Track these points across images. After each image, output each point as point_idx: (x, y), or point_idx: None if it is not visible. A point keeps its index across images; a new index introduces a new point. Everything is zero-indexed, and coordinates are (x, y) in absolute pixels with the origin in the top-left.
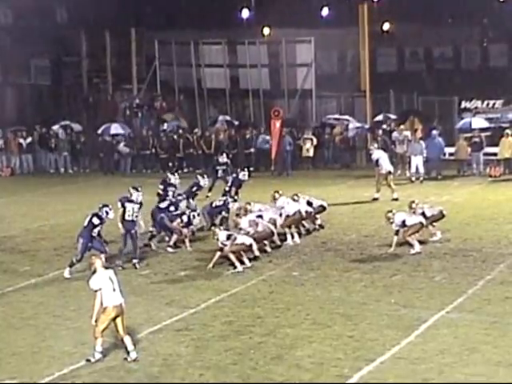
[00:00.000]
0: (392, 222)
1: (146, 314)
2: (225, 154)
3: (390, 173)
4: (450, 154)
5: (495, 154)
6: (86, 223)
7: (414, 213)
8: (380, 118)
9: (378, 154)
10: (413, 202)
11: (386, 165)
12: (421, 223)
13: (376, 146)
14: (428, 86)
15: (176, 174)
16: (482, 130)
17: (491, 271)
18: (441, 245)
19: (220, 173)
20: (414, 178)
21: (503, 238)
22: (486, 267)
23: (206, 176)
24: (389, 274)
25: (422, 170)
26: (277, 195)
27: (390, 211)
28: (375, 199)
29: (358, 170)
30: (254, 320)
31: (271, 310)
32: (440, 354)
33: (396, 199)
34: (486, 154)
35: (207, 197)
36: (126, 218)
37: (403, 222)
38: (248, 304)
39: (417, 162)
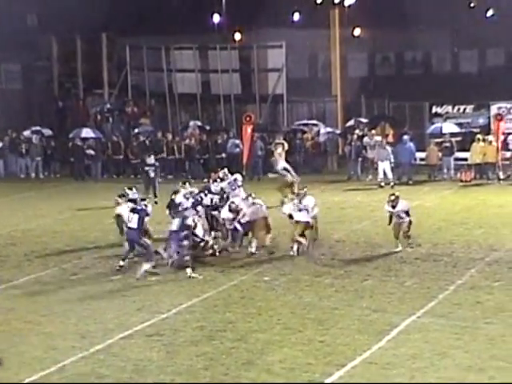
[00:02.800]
0: (393, 206)
1: (117, 319)
2: (152, 156)
3: (296, 181)
4: (421, 159)
5: (466, 159)
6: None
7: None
8: (351, 122)
9: (284, 164)
10: (392, 194)
11: (293, 173)
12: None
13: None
14: (399, 91)
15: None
16: (453, 134)
17: (462, 276)
18: (412, 250)
19: (151, 173)
20: (383, 183)
21: (474, 243)
22: (457, 272)
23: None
24: (360, 279)
25: (390, 175)
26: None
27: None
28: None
29: (329, 175)
30: (225, 325)
31: (242, 315)
32: (411, 358)
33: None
34: (456, 159)
35: (156, 203)
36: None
37: (406, 212)
38: (219, 309)
39: (384, 167)
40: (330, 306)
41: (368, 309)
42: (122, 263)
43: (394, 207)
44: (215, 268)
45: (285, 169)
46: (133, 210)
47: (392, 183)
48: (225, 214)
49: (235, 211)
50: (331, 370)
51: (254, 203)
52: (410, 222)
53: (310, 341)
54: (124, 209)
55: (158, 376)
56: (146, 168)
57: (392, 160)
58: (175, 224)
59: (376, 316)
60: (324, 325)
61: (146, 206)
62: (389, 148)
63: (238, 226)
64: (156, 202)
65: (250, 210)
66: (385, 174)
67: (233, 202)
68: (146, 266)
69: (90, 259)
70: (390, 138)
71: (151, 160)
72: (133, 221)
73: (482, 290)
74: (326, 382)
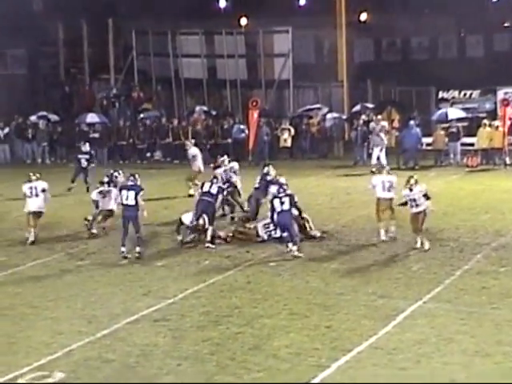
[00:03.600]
0: (411, 189)
1: (124, 304)
2: (87, 144)
3: (200, 171)
4: (428, 144)
5: (472, 145)
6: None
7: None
8: (358, 108)
9: (195, 151)
10: (412, 177)
11: (199, 163)
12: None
13: (193, 141)
14: (405, 76)
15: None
16: (459, 120)
17: (468, 261)
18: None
19: (83, 162)
20: (374, 169)
21: (480, 228)
22: (463, 257)
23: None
24: (366, 265)
25: (384, 160)
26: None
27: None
28: (190, 196)
29: (335, 161)
30: (231, 310)
31: (249, 301)
32: (417, 343)
33: (191, 195)
34: (463, 144)
35: (69, 189)
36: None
37: (425, 195)
38: (225, 294)
39: (378, 153)
40: (336, 292)
41: (374, 294)
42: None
43: (411, 190)
44: (220, 253)
45: (193, 156)
46: (125, 188)
47: (387, 168)
48: None
49: None
50: (337, 355)
51: None
52: (425, 214)
53: (316, 326)
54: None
55: (164, 361)
56: (79, 156)
57: (384, 146)
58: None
59: (382, 301)
60: (330, 310)
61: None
62: (382, 135)
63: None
64: (87, 189)
65: None
66: (379, 159)
67: None
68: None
69: (97, 244)
70: (396, 123)
71: (86, 148)
72: (129, 198)
73: (489, 275)
74: (332, 365)
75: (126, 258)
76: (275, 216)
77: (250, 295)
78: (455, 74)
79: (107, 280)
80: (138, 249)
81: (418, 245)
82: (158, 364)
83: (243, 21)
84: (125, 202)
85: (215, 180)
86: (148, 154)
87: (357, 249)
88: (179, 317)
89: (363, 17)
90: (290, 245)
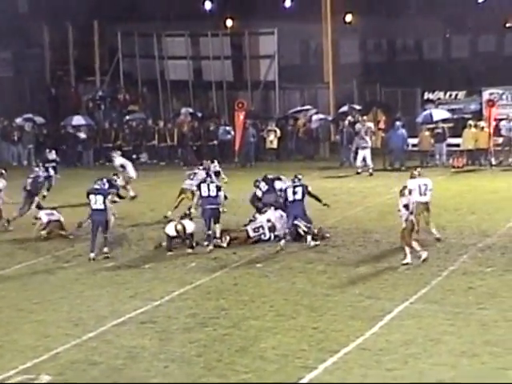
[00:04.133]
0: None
1: (111, 306)
2: (54, 151)
3: (130, 178)
4: (414, 145)
5: (458, 145)
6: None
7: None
8: (345, 109)
9: (121, 161)
10: (415, 169)
11: (130, 171)
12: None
13: (119, 153)
14: (391, 77)
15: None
16: (445, 120)
17: (454, 262)
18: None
19: (51, 171)
20: (360, 170)
21: (466, 229)
22: (450, 258)
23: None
24: (353, 266)
25: (369, 162)
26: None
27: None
28: (133, 197)
29: (321, 162)
30: (218, 312)
31: (235, 302)
32: (404, 344)
33: (134, 197)
34: (448, 145)
35: (44, 197)
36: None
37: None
38: (212, 296)
39: (364, 154)
40: (323, 293)
41: (361, 295)
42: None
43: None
44: (207, 255)
45: (122, 166)
46: (93, 192)
47: (370, 171)
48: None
49: None
50: (324, 356)
51: None
52: (428, 210)
53: (303, 327)
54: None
55: (151, 363)
56: (46, 164)
57: (369, 147)
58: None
59: (369, 302)
60: (317, 311)
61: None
62: (367, 137)
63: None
64: (44, 196)
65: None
66: (365, 160)
67: None
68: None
69: (83, 247)
70: (382, 125)
71: (52, 155)
72: (98, 202)
73: (475, 275)
74: (319, 367)
75: (107, 257)
76: (287, 205)
77: (237, 297)
78: (440, 75)
79: (94, 282)
80: (105, 249)
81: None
82: (145, 366)
83: (229, 22)
84: (94, 207)
85: (209, 179)
86: (134, 156)
87: (343, 250)
88: (166, 319)
89: (349, 18)
90: (309, 237)
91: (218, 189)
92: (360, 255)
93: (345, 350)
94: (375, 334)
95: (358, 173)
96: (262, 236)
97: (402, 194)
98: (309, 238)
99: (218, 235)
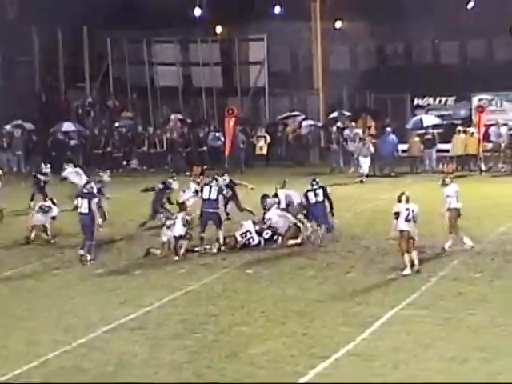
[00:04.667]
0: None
1: (100, 312)
2: (49, 164)
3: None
4: (403, 151)
5: (447, 151)
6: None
7: None
8: (335, 114)
9: (70, 173)
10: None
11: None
12: None
13: (71, 165)
14: (380, 83)
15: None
16: (434, 126)
17: (444, 267)
18: (394, 242)
19: (42, 183)
20: (364, 179)
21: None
22: (440, 263)
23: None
24: (343, 271)
25: (366, 170)
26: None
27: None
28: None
29: (311, 167)
30: (208, 318)
31: (225, 308)
32: (394, 350)
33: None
34: (438, 151)
35: (29, 206)
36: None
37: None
38: (202, 302)
39: (365, 162)
40: (313, 299)
41: (351, 301)
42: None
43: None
44: (197, 261)
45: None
46: (80, 195)
47: (363, 178)
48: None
49: None
50: (315, 362)
51: None
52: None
53: (293, 333)
54: None
55: (141, 369)
56: (40, 176)
57: (370, 152)
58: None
59: (359, 308)
60: (307, 317)
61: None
62: (371, 144)
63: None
64: (29, 206)
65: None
66: (361, 167)
67: None
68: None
69: (73, 253)
70: (373, 131)
71: (47, 169)
72: (83, 206)
73: (465, 281)
74: (310, 373)
75: (84, 260)
76: (309, 208)
77: (227, 303)
78: (430, 81)
79: (83, 289)
80: (88, 257)
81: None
82: (135, 373)
83: (218, 29)
84: (79, 211)
85: (213, 183)
86: (124, 163)
87: (333, 256)
88: (156, 325)
89: (338, 24)
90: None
91: (220, 192)
92: (350, 261)
93: (335, 355)
94: (365, 340)
95: (361, 182)
96: (251, 241)
97: (399, 200)
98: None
99: (221, 241)
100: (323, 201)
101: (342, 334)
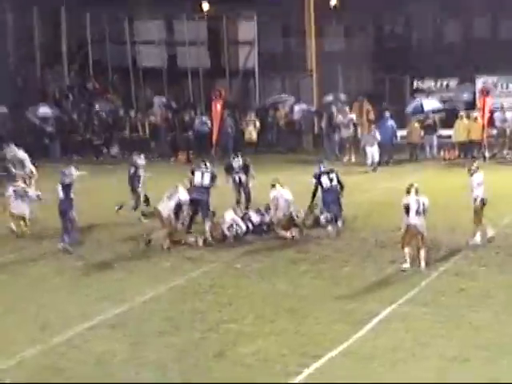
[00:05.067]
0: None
1: (79, 308)
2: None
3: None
4: (402, 138)
5: (449, 137)
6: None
7: None
8: (330, 98)
9: (17, 154)
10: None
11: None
12: None
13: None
14: (378, 64)
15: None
16: (435, 111)
17: (446, 262)
18: (392, 233)
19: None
20: (375, 168)
21: (458, 227)
22: (441, 257)
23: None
24: (337, 266)
25: (376, 158)
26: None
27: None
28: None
29: (304, 155)
30: (194, 315)
31: (212, 304)
32: (392, 349)
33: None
34: (440, 137)
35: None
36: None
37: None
38: (188, 298)
39: (372, 151)
40: (306, 294)
41: (346, 297)
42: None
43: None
44: (183, 254)
45: (17, 161)
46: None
47: (373, 167)
48: None
49: None
50: (307, 361)
51: None
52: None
53: (284, 331)
54: None
55: (123, 369)
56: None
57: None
58: None
59: (355, 304)
60: (299, 314)
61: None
62: (377, 131)
63: None
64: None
65: None
66: (369, 157)
67: None
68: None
69: (50, 244)
70: (372, 116)
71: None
72: (60, 192)
73: (467, 276)
74: (302, 372)
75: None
76: (322, 194)
77: (214, 298)
78: (431, 62)
79: (61, 283)
80: (60, 245)
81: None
82: (116, 373)
83: (205, 5)
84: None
85: (205, 168)
86: (104, 150)
87: (327, 249)
88: (138, 322)
89: (333, 2)
90: (330, 228)
91: (213, 179)
92: (345, 254)
93: (329, 354)
94: (361, 338)
95: (373, 170)
96: (238, 230)
97: (408, 191)
98: (330, 227)
99: (207, 233)
100: (337, 186)
101: (337, 332)
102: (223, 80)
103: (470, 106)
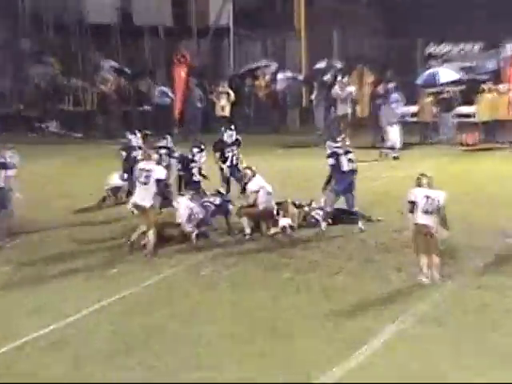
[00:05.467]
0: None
1: (6, 324)
2: None
3: None
4: (412, 115)
5: (470, 116)
6: None
7: None
8: (322, 65)
9: None
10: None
11: None
12: None
13: None
14: (382, 24)
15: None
16: (453, 83)
17: (462, 269)
18: (396, 234)
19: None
20: (395, 154)
21: (478, 226)
22: (456, 264)
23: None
24: (329, 273)
25: (397, 142)
26: None
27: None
28: None
29: (288, 135)
30: (149, 331)
31: (171, 319)
32: (394, 376)
33: None
34: (457, 116)
35: None
36: None
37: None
38: (142, 310)
39: (394, 132)
40: (289, 308)
41: (338, 312)
42: None
43: None
44: (136, 258)
45: None
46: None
47: (396, 154)
48: None
49: None
50: None
51: None
52: None
53: (261, 354)
54: None
55: None
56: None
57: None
58: None
59: (349, 322)
60: (279, 333)
61: None
62: (397, 105)
63: None
64: None
65: None
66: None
67: None
68: None
69: None
70: (372, 88)
71: None
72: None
73: (492, 289)
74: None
75: None
76: (338, 176)
77: (175, 312)
78: (448, 23)
79: None
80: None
81: None
82: None
83: None
84: None
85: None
86: (42, 125)
87: (317, 252)
88: (80, 340)
89: None
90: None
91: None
92: (338, 260)
93: None
94: (356, 364)
95: (395, 158)
96: (199, 219)
97: (418, 184)
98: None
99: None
100: (355, 171)
101: (325, 356)
102: (189, 41)
103: (496, 77)
